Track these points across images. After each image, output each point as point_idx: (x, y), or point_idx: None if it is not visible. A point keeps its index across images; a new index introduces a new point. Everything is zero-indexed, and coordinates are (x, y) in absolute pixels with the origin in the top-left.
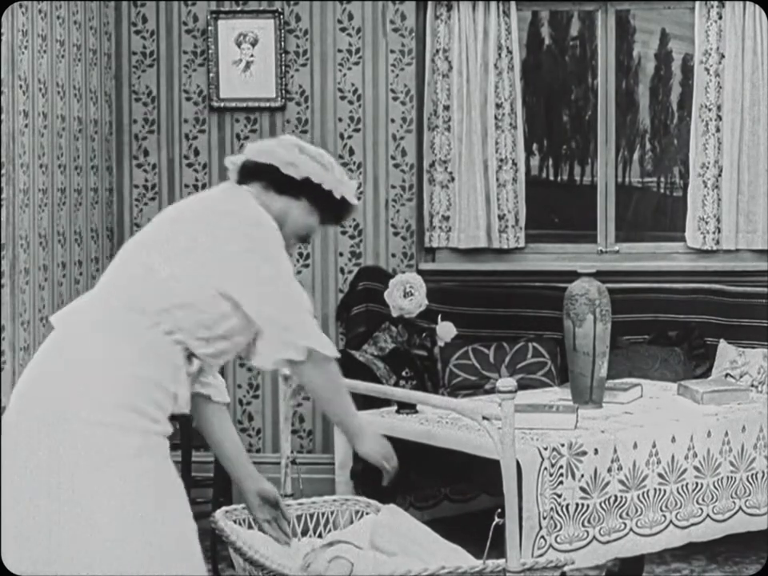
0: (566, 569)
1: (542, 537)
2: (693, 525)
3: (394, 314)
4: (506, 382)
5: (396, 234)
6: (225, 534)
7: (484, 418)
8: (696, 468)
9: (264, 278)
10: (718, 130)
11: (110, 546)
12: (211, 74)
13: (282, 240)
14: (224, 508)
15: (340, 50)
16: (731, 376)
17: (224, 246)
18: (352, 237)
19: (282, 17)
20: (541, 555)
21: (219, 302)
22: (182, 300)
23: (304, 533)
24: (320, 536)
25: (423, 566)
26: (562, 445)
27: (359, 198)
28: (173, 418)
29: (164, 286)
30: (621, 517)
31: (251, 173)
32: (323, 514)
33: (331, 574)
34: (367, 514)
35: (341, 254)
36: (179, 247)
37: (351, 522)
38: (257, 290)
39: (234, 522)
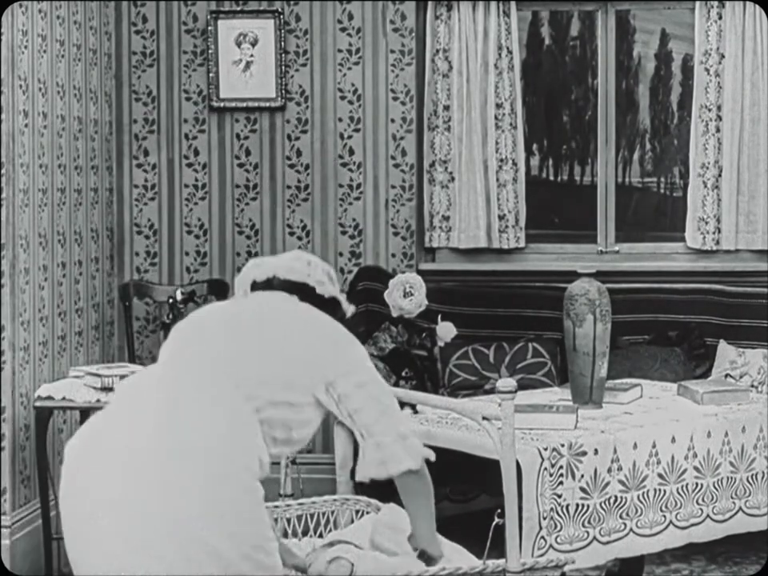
0: (566, 569)
1: (542, 537)
2: (693, 525)
3: (394, 314)
4: (506, 383)
5: (396, 234)
6: None
7: (484, 418)
8: (696, 468)
9: (378, 388)
10: (717, 130)
11: None
12: (211, 74)
13: None
14: None
15: (340, 50)
16: (731, 376)
17: (335, 354)
18: (352, 237)
19: (282, 17)
20: (541, 555)
21: (311, 407)
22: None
23: (304, 533)
24: (320, 536)
25: (424, 567)
26: (562, 445)
27: (358, 199)
28: None
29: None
30: (621, 517)
31: (278, 286)
32: (323, 514)
33: (331, 574)
34: (368, 513)
35: (341, 254)
36: (276, 359)
37: (352, 522)
38: (375, 398)
39: None
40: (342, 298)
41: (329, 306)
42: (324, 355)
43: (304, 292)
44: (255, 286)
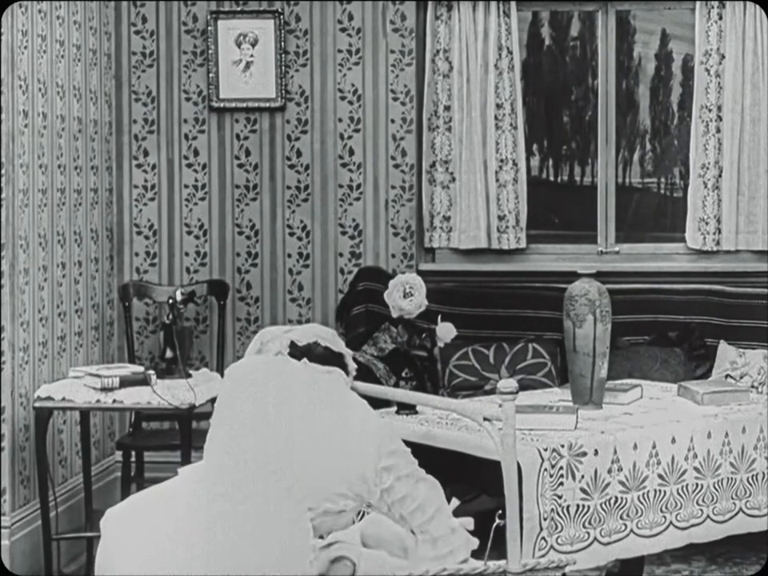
0: (567, 569)
1: (543, 538)
2: (693, 526)
3: (394, 315)
4: (507, 383)
5: (396, 234)
6: None
7: (485, 419)
8: (696, 469)
9: (427, 484)
10: (718, 130)
11: None
12: (211, 74)
13: None
14: None
15: (340, 51)
16: (731, 377)
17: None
18: (352, 237)
19: (282, 17)
20: (542, 556)
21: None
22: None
23: None
24: (320, 537)
25: (425, 568)
26: (562, 446)
27: (359, 199)
28: (173, 416)
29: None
30: (621, 518)
31: (305, 354)
32: None
33: (334, 574)
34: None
35: (341, 255)
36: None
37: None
38: (427, 496)
39: None
40: (349, 358)
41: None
42: (369, 450)
43: (337, 361)
44: (293, 347)
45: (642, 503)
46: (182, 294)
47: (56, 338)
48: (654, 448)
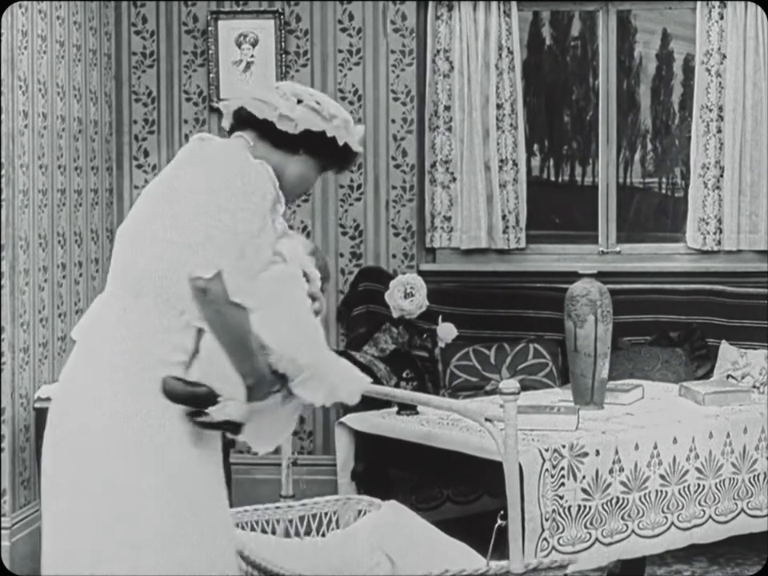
0: (569, 569)
1: (545, 539)
2: (695, 526)
3: (395, 315)
4: (509, 384)
5: (397, 234)
6: None
7: (487, 419)
8: (698, 469)
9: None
10: (719, 130)
11: (153, 545)
12: (211, 75)
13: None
14: None
15: (340, 51)
16: (733, 377)
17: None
18: (353, 237)
19: (282, 17)
20: (544, 557)
21: None
22: None
23: (307, 533)
24: (323, 535)
25: (427, 570)
26: (564, 446)
27: (359, 199)
28: None
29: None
30: (623, 518)
31: (246, 121)
32: (326, 514)
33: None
34: (369, 512)
35: (341, 255)
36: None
37: (354, 521)
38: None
39: (237, 525)
40: (330, 127)
41: (299, 141)
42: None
43: (266, 126)
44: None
45: (643, 504)
46: None
47: (56, 338)
48: (656, 448)
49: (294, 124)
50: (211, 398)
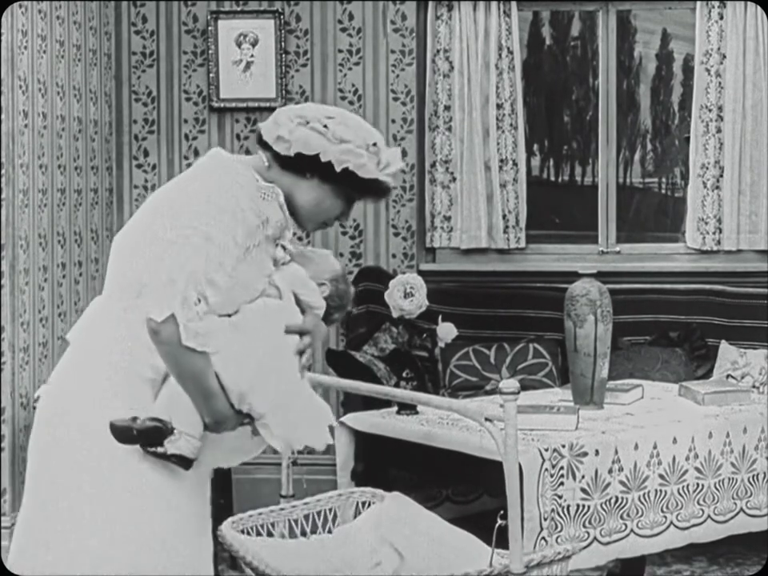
0: (570, 563)
1: (543, 538)
2: (693, 526)
3: (395, 315)
4: (509, 384)
5: (396, 234)
6: (233, 549)
7: (487, 419)
8: (697, 469)
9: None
10: (718, 130)
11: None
12: (211, 74)
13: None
14: (230, 519)
15: (340, 51)
16: (732, 377)
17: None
18: (352, 237)
19: (282, 17)
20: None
21: None
22: None
23: (313, 531)
24: (329, 531)
25: (436, 563)
26: (563, 446)
27: None
28: None
29: None
30: (621, 518)
31: (261, 140)
32: (330, 510)
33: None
34: (373, 503)
35: (341, 255)
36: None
37: (358, 513)
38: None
39: (241, 531)
40: (335, 150)
41: (305, 165)
42: None
43: (269, 147)
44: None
45: (642, 503)
46: None
47: (56, 338)
48: (655, 448)
49: (288, 146)
50: (164, 431)
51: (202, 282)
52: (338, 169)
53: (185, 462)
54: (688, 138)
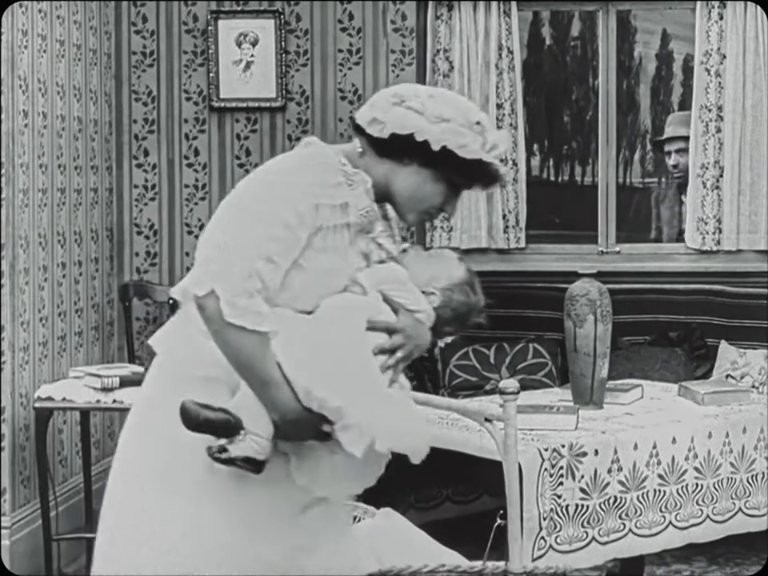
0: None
1: (542, 537)
2: (692, 526)
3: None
4: (509, 384)
5: None
6: None
7: (486, 419)
8: (696, 469)
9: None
10: (718, 130)
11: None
12: (211, 74)
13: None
14: None
15: (340, 50)
16: (732, 377)
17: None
18: None
19: (282, 17)
20: (541, 556)
21: None
22: None
23: None
24: None
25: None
26: (563, 446)
27: None
28: None
29: None
30: (620, 517)
31: (356, 126)
32: None
33: None
34: (363, 519)
35: None
36: None
37: None
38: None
39: None
40: (436, 131)
41: (402, 149)
42: None
43: (364, 133)
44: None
45: (641, 503)
46: None
47: (56, 337)
48: (655, 448)
49: (382, 127)
50: (230, 428)
51: (252, 255)
52: (435, 148)
53: (255, 465)
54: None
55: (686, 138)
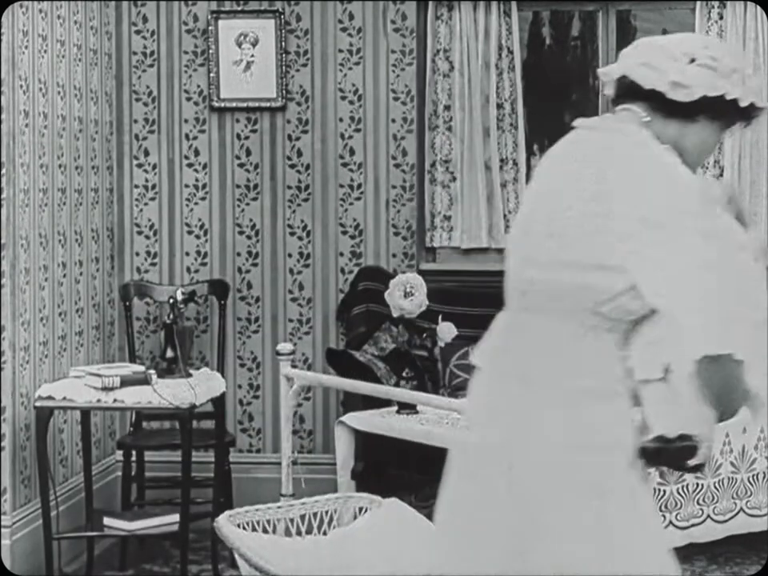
0: None
1: None
2: (693, 525)
3: (395, 315)
4: None
5: (397, 234)
6: (229, 541)
7: None
8: None
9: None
10: None
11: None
12: (211, 74)
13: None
14: (227, 513)
15: (341, 50)
16: None
17: None
18: (353, 237)
19: (282, 17)
20: None
21: None
22: None
23: (308, 531)
24: (324, 533)
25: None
26: None
27: (359, 199)
28: (173, 416)
29: None
30: None
31: (632, 91)
32: (327, 512)
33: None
34: (370, 509)
35: (341, 254)
36: None
37: (354, 519)
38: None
39: (238, 525)
40: (730, 86)
41: (697, 108)
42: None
43: (655, 98)
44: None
45: None
46: (183, 293)
47: (57, 337)
48: None
49: (688, 91)
50: (696, 448)
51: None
52: (744, 104)
53: (701, 468)
54: None
55: None
